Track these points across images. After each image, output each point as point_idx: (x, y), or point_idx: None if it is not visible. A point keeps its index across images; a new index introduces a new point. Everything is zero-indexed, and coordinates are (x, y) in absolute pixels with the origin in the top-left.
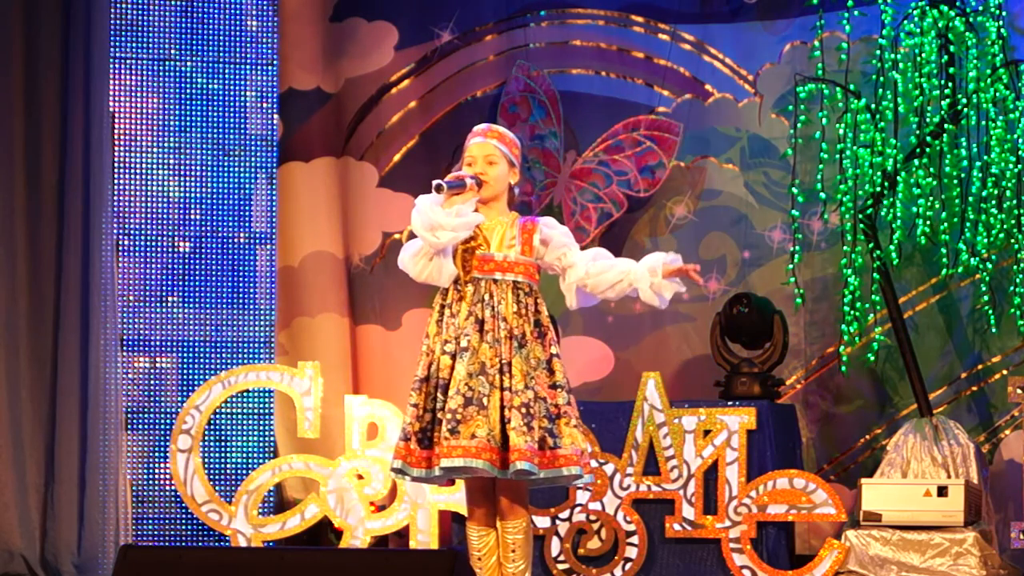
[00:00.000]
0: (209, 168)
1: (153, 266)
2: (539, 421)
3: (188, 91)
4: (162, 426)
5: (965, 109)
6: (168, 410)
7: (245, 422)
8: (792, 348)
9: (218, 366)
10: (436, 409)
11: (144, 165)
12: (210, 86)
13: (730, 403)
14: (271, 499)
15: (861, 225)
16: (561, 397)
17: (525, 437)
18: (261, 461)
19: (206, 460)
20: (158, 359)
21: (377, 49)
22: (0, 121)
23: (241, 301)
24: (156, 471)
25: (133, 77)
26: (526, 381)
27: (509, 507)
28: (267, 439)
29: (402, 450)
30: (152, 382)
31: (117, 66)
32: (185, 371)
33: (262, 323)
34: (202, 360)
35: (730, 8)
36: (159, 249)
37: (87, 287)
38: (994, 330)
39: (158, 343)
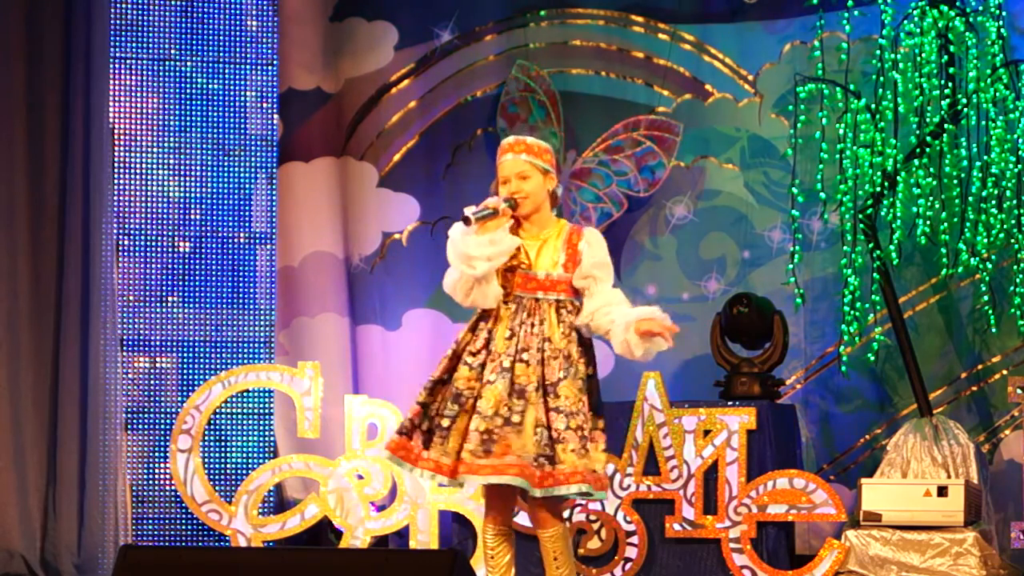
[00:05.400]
0: (209, 168)
1: (153, 266)
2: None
3: (188, 91)
4: (162, 426)
5: (965, 109)
6: (168, 410)
7: (245, 422)
8: (792, 348)
9: (218, 366)
10: (444, 414)
11: (144, 165)
12: (210, 86)
13: (730, 403)
14: (271, 499)
15: (861, 225)
16: (587, 419)
17: (577, 457)
18: (261, 461)
19: (206, 460)
20: (158, 359)
21: (377, 49)
22: (1, 121)
23: (241, 301)
24: (156, 471)
25: (133, 77)
26: (574, 399)
27: (544, 517)
28: (267, 439)
29: (400, 444)
30: (152, 382)
31: (117, 66)
32: (185, 371)
33: (262, 323)
34: (202, 360)
35: (730, 8)
36: (159, 249)
37: (87, 287)
38: (994, 330)
39: (158, 343)
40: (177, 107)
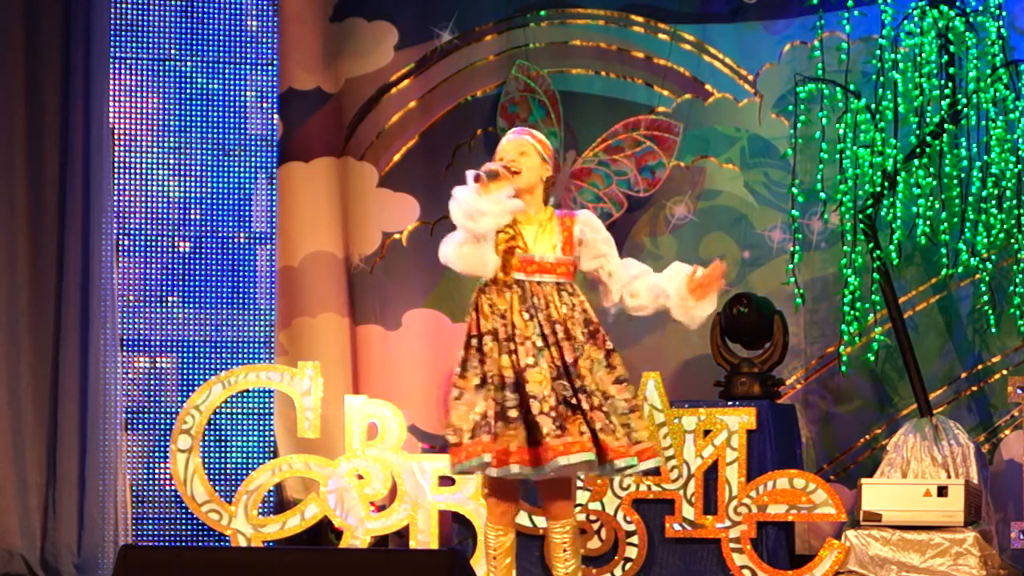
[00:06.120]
0: (209, 168)
1: (153, 266)
2: (619, 418)
3: (188, 91)
4: (162, 426)
5: (965, 109)
6: (168, 410)
7: (245, 422)
8: (792, 348)
9: (218, 366)
10: (506, 406)
11: (144, 165)
12: (210, 86)
13: (730, 403)
14: (271, 499)
15: (861, 225)
16: (628, 391)
17: (614, 436)
18: (261, 461)
19: (206, 460)
20: (158, 359)
21: (377, 49)
22: (0, 121)
23: (241, 301)
24: (156, 471)
25: (133, 77)
26: (594, 379)
27: (557, 508)
28: (267, 439)
29: (474, 447)
30: (152, 382)
31: (117, 66)
32: (185, 371)
33: (262, 323)
34: (202, 360)
35: (730, 8)
36: (159, 249)
37: (87, 287)
38: (994, 330)
39: (158, 343)
40: (177, 107)
